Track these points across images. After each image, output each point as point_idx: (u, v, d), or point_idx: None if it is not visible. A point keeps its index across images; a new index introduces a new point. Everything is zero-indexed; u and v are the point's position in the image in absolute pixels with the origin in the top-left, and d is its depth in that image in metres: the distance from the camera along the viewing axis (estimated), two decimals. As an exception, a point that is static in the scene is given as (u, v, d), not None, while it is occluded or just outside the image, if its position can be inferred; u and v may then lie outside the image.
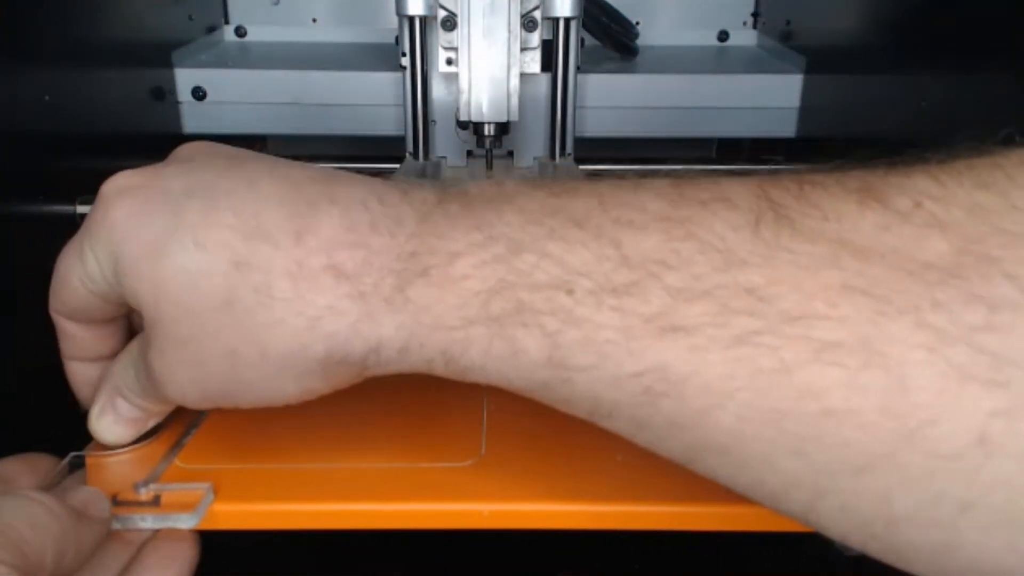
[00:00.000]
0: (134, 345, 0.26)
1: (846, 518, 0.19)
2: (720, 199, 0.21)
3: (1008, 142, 0.20)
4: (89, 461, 0.27)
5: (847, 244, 0.19)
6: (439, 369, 0.22)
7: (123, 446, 0.28)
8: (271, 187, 0.23)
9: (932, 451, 0.17)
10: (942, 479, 0.17)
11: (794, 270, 0.19)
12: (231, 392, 0.23)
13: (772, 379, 0.18)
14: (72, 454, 0.27)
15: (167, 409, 0.28)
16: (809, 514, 0.19)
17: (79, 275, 0.24)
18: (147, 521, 0.24)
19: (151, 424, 0.28)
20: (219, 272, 0.22)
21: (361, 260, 0.22)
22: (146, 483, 0.26)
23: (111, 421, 0.27)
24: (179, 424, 0.30)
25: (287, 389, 0.23)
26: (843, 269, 0.18)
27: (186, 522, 0.24)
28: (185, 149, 0.26)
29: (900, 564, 0.19)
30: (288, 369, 0.22)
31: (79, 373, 0.28)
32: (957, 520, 0.17)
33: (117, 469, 0.27)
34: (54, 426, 0.28)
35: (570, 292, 0.20)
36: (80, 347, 0.27)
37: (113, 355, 0.28)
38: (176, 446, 0.28)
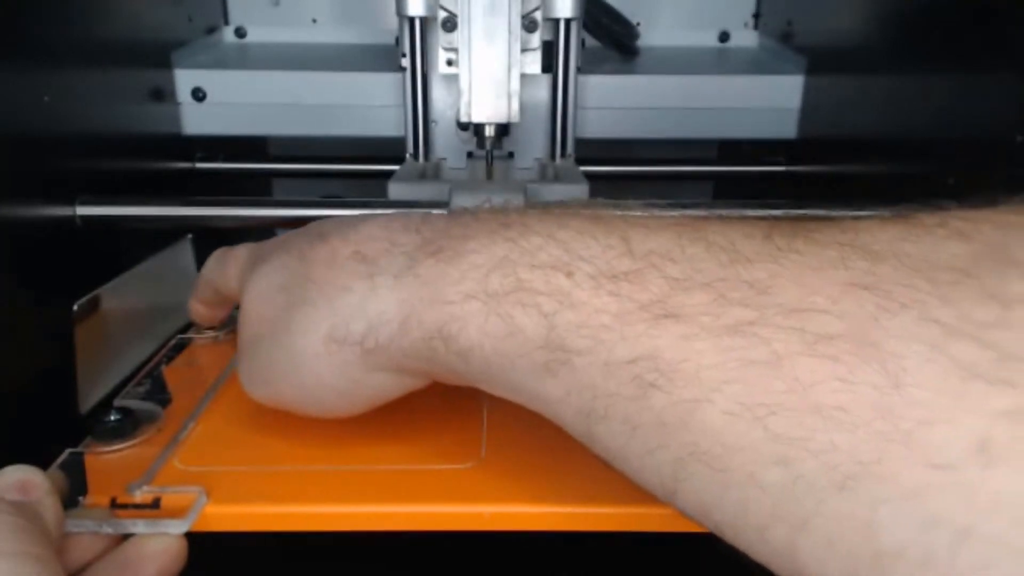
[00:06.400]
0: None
1: (830, 556, 0.17)
2: (739, 218, 0.21)
3: None
4: (88, 458, 0.28)
5: (861, 248, 0.18)
6: (440, 353, 0.22)
7: (122, 444, 0.28)
8: (348, 218, 0.27)
9: (926, 460, 0.15)
10: (936, 499, 0.15)
11: (799, 269, 0.18)
12: (282, 389, 0.26)
13: (762, 371, 0.17)
14: (69, 450, 0.28)
15: None
16: (794, 552, 0.17)
17: (216, 283, 0.32)
18: (138, 526, 0.25)
19: None
20: (288, 264, 0.26)
21: (383, 248, 0.24)
22: (139, 485, 0.26)
23: None
24: (176, 420, 0.30)
25: (320, 373, 0.25)
26: (851, 268, 0.18)
27: (177, 528, 0.24)
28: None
29: None
30: (307, 352, 0.24)
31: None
32: (957, 555, 0.15)
33: (115, 465, 0.27)
34: (53, 425, 0.28)
35: (570, 275, 0.20)
36: (208, 309, 0.35)
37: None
38: (172, 443, 0.28)
